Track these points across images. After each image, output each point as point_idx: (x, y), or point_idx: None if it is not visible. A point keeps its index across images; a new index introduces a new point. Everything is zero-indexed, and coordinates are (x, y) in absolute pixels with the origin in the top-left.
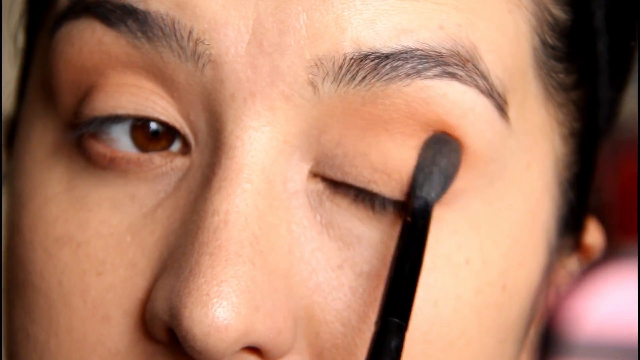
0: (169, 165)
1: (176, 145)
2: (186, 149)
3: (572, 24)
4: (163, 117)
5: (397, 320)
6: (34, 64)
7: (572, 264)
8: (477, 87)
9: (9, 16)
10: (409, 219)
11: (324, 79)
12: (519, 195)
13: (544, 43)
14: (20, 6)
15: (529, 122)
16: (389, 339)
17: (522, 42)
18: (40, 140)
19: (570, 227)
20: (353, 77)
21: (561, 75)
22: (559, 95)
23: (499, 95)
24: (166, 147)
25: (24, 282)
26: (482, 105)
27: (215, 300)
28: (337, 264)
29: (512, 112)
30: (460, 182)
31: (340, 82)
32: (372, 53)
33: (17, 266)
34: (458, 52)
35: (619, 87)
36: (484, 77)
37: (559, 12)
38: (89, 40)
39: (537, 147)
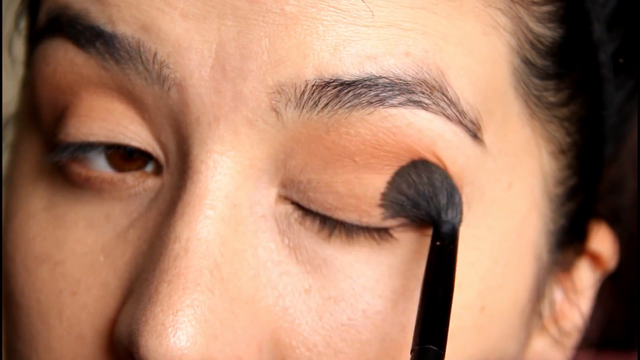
0: (141, 185)
1: (151, 166)
2: (159, 169)
3: (562, 40)
4: (135, 143)
5: (434, 347)
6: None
7: (584, 272)
8: (445, 114)
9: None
10: (438, 243)
11: (286, 105)
12: (500, 216)
13: (526, 62)
14: (12, 15)
15: (510, 142)
16: None
17: (500, 64)
18: (27, 154)
19: (570, 238)
20: (315, 104)
21: (548, 93)
22: (545, 113)
23: (471, 121)
24: (142, 167)
25: (8, 297)
26: (451, 132)
27: (170, 329)
28: (305, 288)
29: (489, 134)
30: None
31: (302, 108)
32: (335, 80)
33: (5, 281)
34: (424, 79)
35: (630, 90)
36: (453, 104)
37: (543, 31)
38: (62, 60)
39: (521, 166)
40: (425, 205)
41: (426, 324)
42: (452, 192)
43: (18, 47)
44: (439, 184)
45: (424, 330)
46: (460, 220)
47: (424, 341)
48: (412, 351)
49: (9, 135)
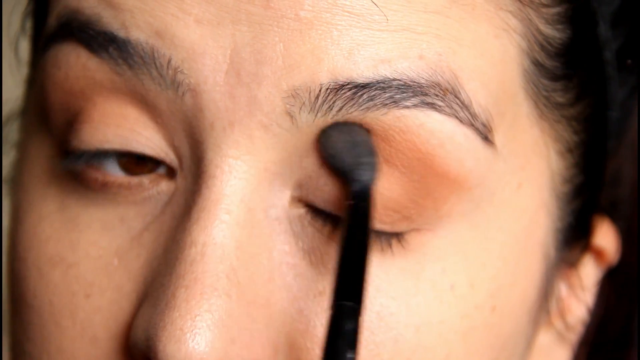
0: (155, 188)
1: (163, 167)
2: (172, 172)
3: (570, 41)
4: (148, 150)
5: (350, 303)
6: (36, 76)
7: (589, 267)
8: (457, 117)
9: (8, 25)
10: (350, 202)
11: (300, 109)
12: (510, 216)
13: (536, 64)
14: (19, 15)
15: (519, 143)
16: (345, 323)
17: (510, 66)
18: (37, 156)
19: (577, 234)
20: (330, 107)
21: (557, 93)
22: (553, 113)
23: (482, 124)
24: (154, 169)
25: (19, 299)
26: (462, 134)
27: (188, 335)
28: (319, 290)
29: (499, 136)
30: (444, 207)
31: (317, 112)
32: (349, 83)
33: (15, 283)
34: (438, 82)
35: (632, 87)
36: (465, 107)
37: (552, 32)
38: (74, 65)
39: (530, 166)
40: (341, 164)
41: (341, 282)
42: (365, 153)
43: (23, 48)
44: (352, 146)
45: (339, 288)
46: (373, 179)
47: (340, 298)
48: (329, 308)
49: (12, 134)
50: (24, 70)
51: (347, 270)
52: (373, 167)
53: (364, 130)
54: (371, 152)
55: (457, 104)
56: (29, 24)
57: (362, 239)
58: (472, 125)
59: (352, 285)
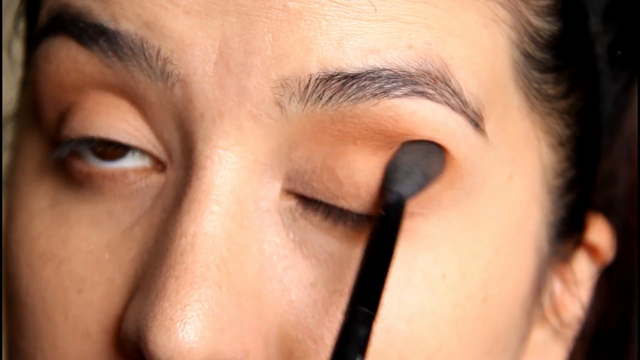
0: (143, 181)
1: (135, 157)
2: (161, 165)
3: (560, 33)
4: (134, 142)
5: (366, 309)
6: (29, 75)
7: (583, 263)
8: (449, 104)
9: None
10: (383, 212)
11: (290, 99)
12: (501, 207)
13: (526, 55)
14: (12, 16)
15: (510, 135)
16: (358, 328)
17: (500, 56)
18: (29, 154)
19: (569, 229)
20: (319, 97)
21: (547, 86)
22: (544, 105)
23: (474, 111)
24: (123, 155)
25: (13, 296)
26: (455, 121)
27: (178, 324)
28: (310, 282)
29: (490, 126)
30: (436, 192)
31: (306, 102)
32: (338, 73)
33: (8, 281)
34: (428, 70)
35: (625, 82)
36: (456, 94)
37: (542, 24)
38: (65, 59)
39: (521, 158)
40: (386, 174)
41: (361, 287)
42: (412, 170)
43: (17, 49)
44: (404, 160)
45: (359, 293)
46: (412, 194)
47: (357, 303)
48: (344, 313)
49: (8, 137)
50: (17, 72)
51: (368, 276)
52: (415, 186)
53: (440, 155)
54: (425, 173)
55: (448, 91)
56: (21, 25)
57: (387, 250)
58: (464, 112)
59: (371, 292)
